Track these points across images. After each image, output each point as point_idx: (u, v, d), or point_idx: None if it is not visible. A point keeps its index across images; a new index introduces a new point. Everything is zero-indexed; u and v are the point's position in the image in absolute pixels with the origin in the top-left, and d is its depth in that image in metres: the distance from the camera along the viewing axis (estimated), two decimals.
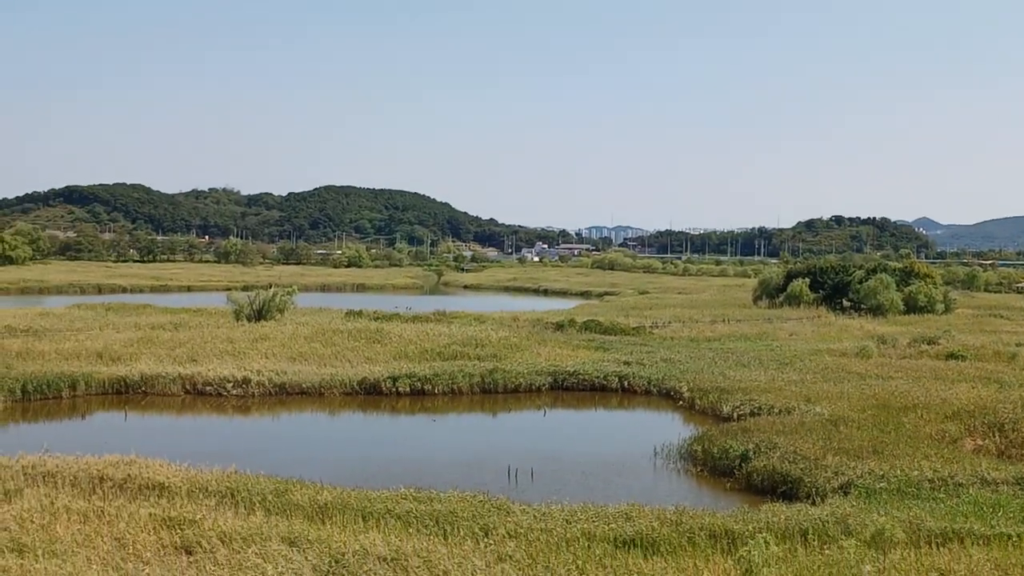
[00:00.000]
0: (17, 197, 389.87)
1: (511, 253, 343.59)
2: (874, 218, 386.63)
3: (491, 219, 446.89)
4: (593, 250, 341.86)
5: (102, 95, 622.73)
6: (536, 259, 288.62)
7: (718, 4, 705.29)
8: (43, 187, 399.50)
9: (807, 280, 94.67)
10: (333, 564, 17.07)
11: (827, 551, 19.13)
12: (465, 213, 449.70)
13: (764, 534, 19.18)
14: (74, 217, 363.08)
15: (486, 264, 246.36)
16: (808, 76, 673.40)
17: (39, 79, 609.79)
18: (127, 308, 79.38)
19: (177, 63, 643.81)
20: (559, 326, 65.45)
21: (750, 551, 18.22)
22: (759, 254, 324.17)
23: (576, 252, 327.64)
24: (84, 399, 41.98)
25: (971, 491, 24.47)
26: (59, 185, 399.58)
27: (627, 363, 49.44)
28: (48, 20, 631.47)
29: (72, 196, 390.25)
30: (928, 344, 59.57)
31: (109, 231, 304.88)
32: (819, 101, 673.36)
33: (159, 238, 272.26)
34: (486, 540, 19.17)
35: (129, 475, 24.34)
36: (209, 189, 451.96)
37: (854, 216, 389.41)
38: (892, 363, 50.41)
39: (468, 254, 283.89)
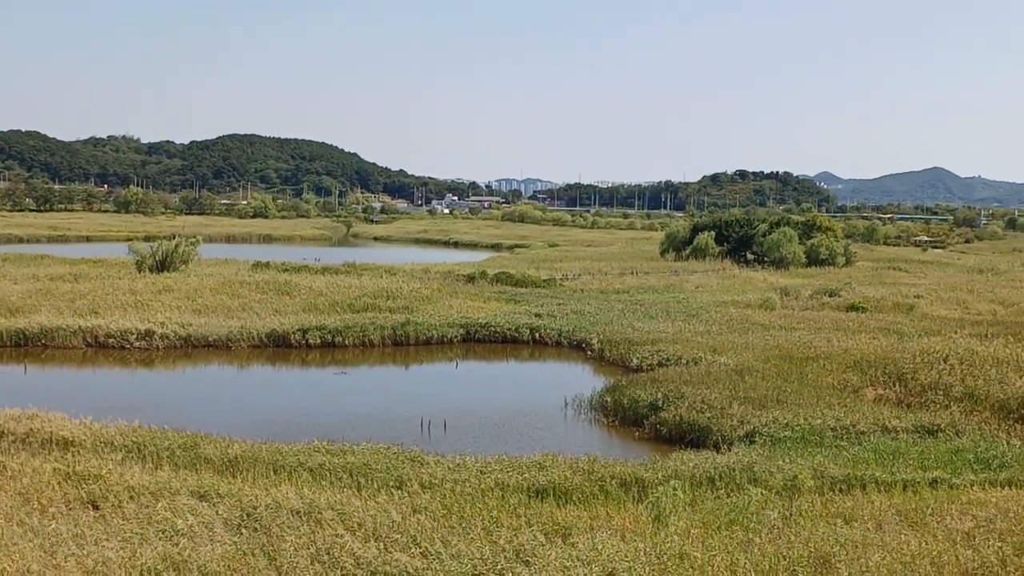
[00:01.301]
0: None
1: (421, 205, 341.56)
2: (777, 172, 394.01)
3: (400, 170, 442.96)
4: (503, 203, 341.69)
5: None
6: (446, 211, 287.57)
7: None
8: None
9: (712, 233, 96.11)
10: (245, 518, 16.85)
11: (733, 497, 19.56)
12: (374, 164, 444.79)
13: (673, 481, 19.53)
14: None
15: (396, 216, 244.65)
16: (710, 30, 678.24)
17: None
18: (24, 259, 76.77)
19: (80, 11, 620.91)
20: (470, 278, 65.40)
21: (659, 498, 18.55)
22: (666, 207, 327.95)
23: (486, 204, 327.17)
24: None
25: (872, 439, 25.21)
26: None
27: (538, 315, 49.68)
28: None
29: None
30: (830, 296, 61.14)
31: (3, 179, 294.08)
32: (721, 59, 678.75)
33: (56, 187, 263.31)
34: (400, 492, 19.14)
35: (31, 429, 23.66)
36: (108, 136, 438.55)
37: (758, 170, 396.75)
38: (795, 314, 51.64)
39: (377, 206, 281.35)
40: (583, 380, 37.50)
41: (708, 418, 28.18)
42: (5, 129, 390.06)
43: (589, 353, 42.90)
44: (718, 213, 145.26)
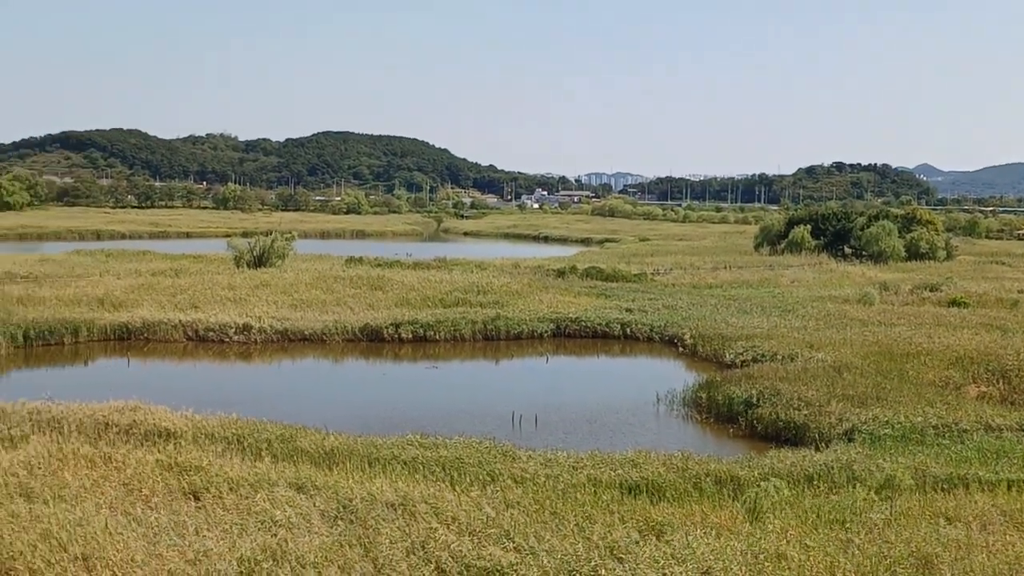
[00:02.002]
0: (13, 142, 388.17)
1: (511, 200, 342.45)
2: (875, 165, 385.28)
3: (490, 166, 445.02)
4: (593, 197, 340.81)
5: (97, 39, 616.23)
6: (536, 206, 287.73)
7: None
8: (39, 132, 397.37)
9: (808, 227, 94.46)
10: (341, 510, 17.08)
11: (834, 496, 19.19)
12: (464, 159, 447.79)
13: (773, 479, 19.23)
14: (71, 163, 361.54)
15: (486, 211, 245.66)
16: (808, 22, 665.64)
17: (33, 24, 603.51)
18: (127, 254, 79.18)
19: (172, 7, 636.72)
20: (560, 273, 65.32)
21: (757, 496, 18.28)
22: (760, 201, 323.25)
23: (576, 199, 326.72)
24: (86, 345, 41.95)
25: (975, 437, 24.52)
26: (55, 131, 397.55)
27: (629, 310, 49.40)
28: None
29: (69, 142, 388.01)
30: (930, 291, 59.56)
31: (107, 177, 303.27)
32: (821, 48, 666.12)
33: (157, 184, 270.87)
34: (492, 486, 19.18)
35: (134, 421, 24.32)
36: (206, 135, 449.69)
37: (855, 163, 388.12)
38: (894, 310, 50.40)
39: (468, 201, 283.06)
40: (675, 376, 37.16)
41: (805, 415, 27.70)
42: (108, 128, 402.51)
43: (681, 349, 42.51)
44: (814, 206, 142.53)
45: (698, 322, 45.53)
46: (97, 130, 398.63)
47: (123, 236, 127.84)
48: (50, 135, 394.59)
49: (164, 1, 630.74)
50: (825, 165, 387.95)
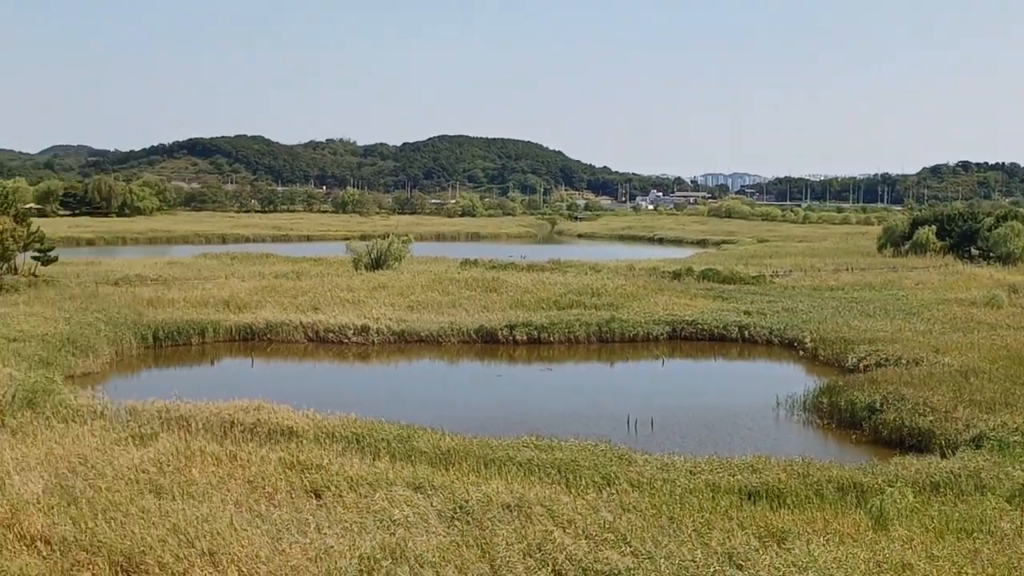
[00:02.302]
0: (144, 149, 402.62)
1: (625, 201, 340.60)
2: (1003, 163, 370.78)
3: (604, 167, 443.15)
4: (709, 198, 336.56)
5: (224, 49, 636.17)
6: (651, 207, 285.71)
7: None
8: (168, 140, 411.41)
9: (933, 228, 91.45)
10: (458, 510, 17.21)
11: (961, 505, 18.54)
12: (578, 161, 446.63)
13: (899, 486, 18.66)
14: (198, 169, 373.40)
15: (600, 212, 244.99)
16: (927, 21, 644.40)
17: (164, 39, 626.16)
18: (250, 257, 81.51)
19: (300, 20, 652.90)
20: (676, 275, 64.66)
21: (882, 502, 17.77)
22: (882, 201, 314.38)
23: (692, 200, 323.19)
24: (212, 345, 43.30)
25: None
26: (183, 138, 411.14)
27: (747, 312, 48.63)
28: None
29: (196, 148, 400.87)
30: None
31: (231, 182, 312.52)
32: (943, 41, 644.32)
33: (279, 189, 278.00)
34: (609, 490, 19.08)
35: (258, 420, 24.99)
36: (326, 140, 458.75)
37: (982, 161, 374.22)
38: None
39: (581, 203, 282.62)
40: (795, 380, 36.40)
41: (931, 421, 26.82)
42: (233, 135, 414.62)
43: (801, 352, 41.65)
44: (939, 207, 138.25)
45: (819, 325, 44.54)
46: (223, 137, 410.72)
47: (247, 239, 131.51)
48: (178, 142, 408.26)
49: (286, 12, 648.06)
50: (951, 164, 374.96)
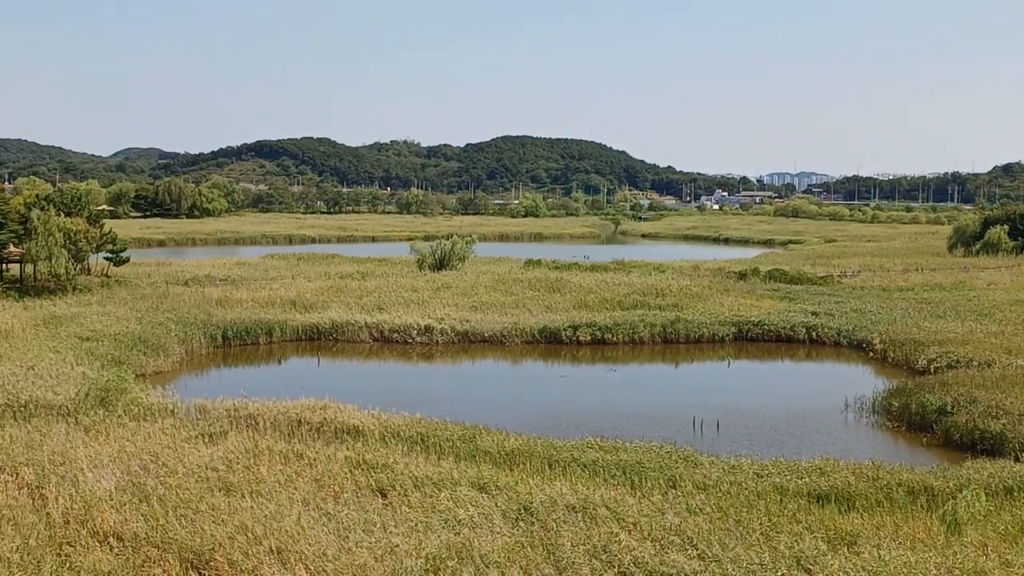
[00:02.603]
0: (212, 152, 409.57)
1: (689, 201, 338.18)
2: None
3: (669, 167, 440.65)
4: (775, 197, 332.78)
5: (290, 54, 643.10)
6: (716, 207, 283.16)
7: None
8: (236, 142, 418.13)
9: (1006, 227, 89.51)
10: (522, 511, 17.21)
11: None
12: (642, 161, 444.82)
13: (972, 489, 18.27)
14: (265, 171, 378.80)
15: (664, 212, 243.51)
16: (990, 20, 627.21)
17: (234, 44, 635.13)
18: (316, 258, 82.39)
19: (364, 23, 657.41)
20: (742, 275, 64.02)
21: (954, 506, 17.41)
22: (952, 200, 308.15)
23: (758, 200, 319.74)
24: (279, 345, 43.83)
25: None
26: (250, 140, 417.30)
27: (815, 314, 47.99)
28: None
29: (263, 150, 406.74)
30: None
31: (298, 184, 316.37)
32: (1012, 40, 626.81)
33: (344, 190, 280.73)
34: (674, 492, 18.96)
35: (325, 419, 25.25)
36: (391, 141, 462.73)
37: None
38: None
39: (645, 203, 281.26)
40: (864, 382, 35.82)
41: (1003, 425, 26.22)
42: (299, 137, 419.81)
43: (871, 354, 40.98)
44: (1011, 206, 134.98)
45: (888, 326, 43.80)
46: (289, 139, 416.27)
47: (313, 240, 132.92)
48: (246, 144, 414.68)
49: (350, 16, 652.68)
50: (1023, 163, 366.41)
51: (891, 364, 38.99)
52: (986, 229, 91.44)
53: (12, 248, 55.05)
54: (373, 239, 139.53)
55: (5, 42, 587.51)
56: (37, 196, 68.80)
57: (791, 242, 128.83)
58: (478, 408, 30.84)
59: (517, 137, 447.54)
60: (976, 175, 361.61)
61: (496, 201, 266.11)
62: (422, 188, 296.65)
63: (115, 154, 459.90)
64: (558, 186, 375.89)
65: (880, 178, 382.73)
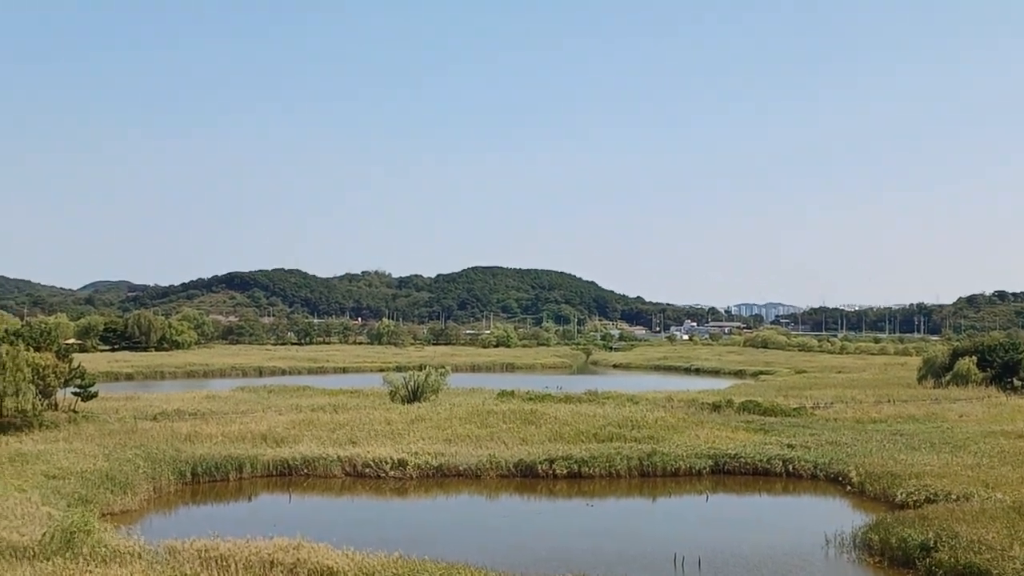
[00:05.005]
0: (183, 284, 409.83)
1: (659, 331, 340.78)
2: None
3: (638, 297, 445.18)
4: (744, 328, 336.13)
5: (261, 187, 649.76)
6: (686, 337, 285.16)
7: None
8: (207, 274, 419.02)
9: (974, 358, 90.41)
10: None
11: None
12: (611, 291, 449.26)
13: None
14: (236, 302, 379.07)
15: (635, 343, 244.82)
16: (961, 144, 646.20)
17: (202, 178, 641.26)
18: (287, 390, 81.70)
19: (330, 156, 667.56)
20: (716, 407, 64.01)
21: None
22: (919, 331, 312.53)
23: (727, 330, 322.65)
24: (250, 481, 43.02)
25: None
26: (221, 272, 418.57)
27: (790, 446, 47.88)
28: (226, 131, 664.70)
29: (234, 282, 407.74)
30: None
31: (268, 315, 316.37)
32: (974, 169, 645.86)
33: (315, 321, 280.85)
34: None
35: (298, 559, 24.59)
36: (362, 272, 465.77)
37: (1018, 291, 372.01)
38: None
39: (616, 333, 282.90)
40: (843, 516, 35.52)
41: (987, 560, 25.92)
42: (270, 268, 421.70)
43: (848, 487, 40.73)
44: (978, 336, 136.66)
45: (864, 459, 43.70)
46: (260, 270, 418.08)
47: (283, 372, 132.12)
48: (216, 276, 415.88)
49: (316, 149, 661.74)
50: (987, 294, 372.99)
51: (869, 497, 38.73)
52: (955, 360, 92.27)
53: None
54: (344, 370, 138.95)
55: None
56: (6, 331, 68.20)
57: (761, 373, 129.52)
58: (455, 545, 30.20)
59: (487, 268, 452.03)
60: (941, 306, 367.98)
61: (467, 331, 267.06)
62: (393, 318, 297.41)
63: (84, 287, 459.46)
64: (528, 316, 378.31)
65: (847, 309, 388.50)
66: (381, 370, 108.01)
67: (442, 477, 43.27)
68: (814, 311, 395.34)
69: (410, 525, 35.36)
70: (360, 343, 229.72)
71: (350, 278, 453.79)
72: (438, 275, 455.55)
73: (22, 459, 40.69)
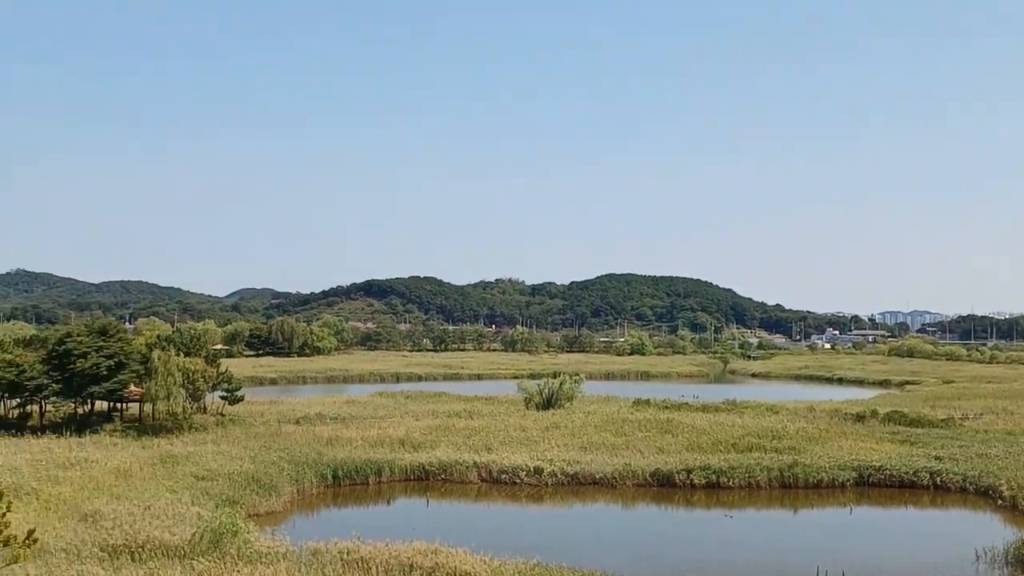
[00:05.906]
0: (323, 291, 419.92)
1: (799, 340, 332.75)
2: None
3: (777, 305, 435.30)
4: (889, 336, 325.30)
5: (400, 197, 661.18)
6: (827, 346, 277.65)
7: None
8: (345, 282, 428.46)
9: None
10: None
11: None
12: (749, 299, 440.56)
13: None
14: (373, 309, 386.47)
15: (774, 351, 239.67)
16: None
17: (345, 191, 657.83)
18: (424, 396, 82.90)
19: (462, 166, 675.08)
20: (860, 417, 62.17)
21: None
22: None
23: (870, 339, 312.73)
24: (388, 485, 43.83)
25: None
26: (359, 280, 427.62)
27: (938, 458, 46.13)
28: (357, 136, 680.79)
29: (371, 289, 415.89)
30: None
31: (405, 322, 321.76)
32: None
33: (450, 328, 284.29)
34: None
35: (437, 564, 24.89)
36: (496, 280, 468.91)
37: None
38: None
39: (754, 341, 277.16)
40: (994, 530, 34.06)
41: None
42: (407, 276, 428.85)
43: (999, 501, 39.02)
44: None
45: (1016, 472, 41.74)
46: (397, 278, 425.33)
47: (419, 378, 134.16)
48: (355, 284, 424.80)
49: (457, 157, 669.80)
50: None
51: (1021, 512, 37.03)
52: None
53: (133, 388, 56.72)
54: (479, 377, 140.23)
55: (142, 197, 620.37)
56: (158, 336, 71.23)
57: (907, 383, 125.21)
58: (591, 553, 30.13)
59: (621, 275, 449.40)
60: None
61: (601, 339, 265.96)
62: (526, 326, 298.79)
63: (230, 294, 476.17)
64: (663, 324, 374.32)
65: (997, 317, 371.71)
66: (515, 377, 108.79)
67: (577, 485, 43.21)
68: (962, 319, 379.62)
69: (546, 532, 35.42)
70: (494, 350, 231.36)
71: (484, 286, 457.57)
72: (571, 282, 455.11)
73: (172, 460, 42.37)
